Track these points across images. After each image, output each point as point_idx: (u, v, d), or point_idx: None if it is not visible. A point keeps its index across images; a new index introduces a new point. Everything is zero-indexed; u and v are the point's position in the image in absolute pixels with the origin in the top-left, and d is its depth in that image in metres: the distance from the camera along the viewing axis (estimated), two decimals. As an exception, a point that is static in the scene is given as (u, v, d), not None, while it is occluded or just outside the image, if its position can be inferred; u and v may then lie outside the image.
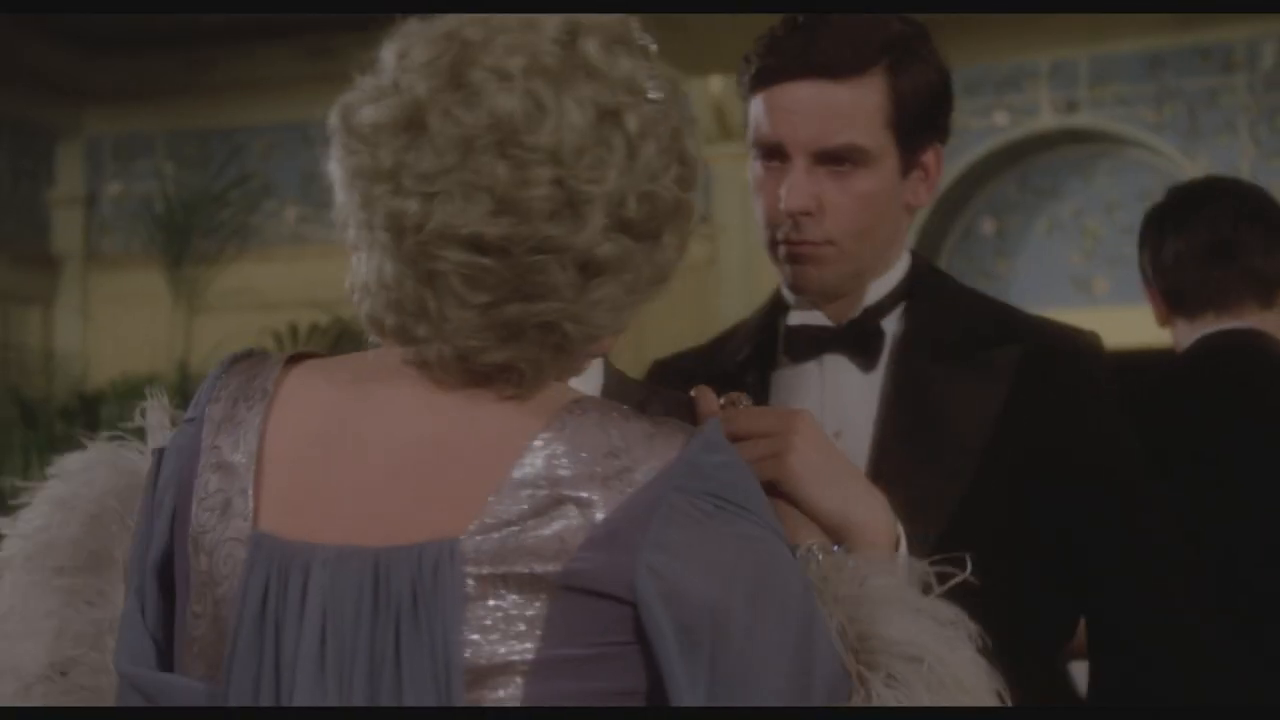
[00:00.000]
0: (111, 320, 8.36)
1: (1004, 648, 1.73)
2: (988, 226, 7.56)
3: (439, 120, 1.21)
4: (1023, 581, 1.81)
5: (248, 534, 1.25)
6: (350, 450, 1.26)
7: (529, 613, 1.20)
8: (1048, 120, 7.07)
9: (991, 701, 1.33)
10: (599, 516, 1.20)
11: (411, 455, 1.25)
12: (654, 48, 1.28)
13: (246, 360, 1.34)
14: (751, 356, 1.96)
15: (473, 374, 1.25)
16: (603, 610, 1.20)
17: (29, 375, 8.02)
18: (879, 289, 1.92)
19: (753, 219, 2.70)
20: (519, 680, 1.20)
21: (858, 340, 1.90)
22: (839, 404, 1.89)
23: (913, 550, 1.70)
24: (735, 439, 1.54)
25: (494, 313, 1.22)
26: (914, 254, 1.98)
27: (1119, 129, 7.08)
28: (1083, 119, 7.12)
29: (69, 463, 1.48)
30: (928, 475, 1.81)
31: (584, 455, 1.22)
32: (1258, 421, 2.50)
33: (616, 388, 1.72)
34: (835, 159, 1.84)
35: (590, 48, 1.23)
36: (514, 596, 1.20)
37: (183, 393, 3.04)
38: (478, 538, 1.20)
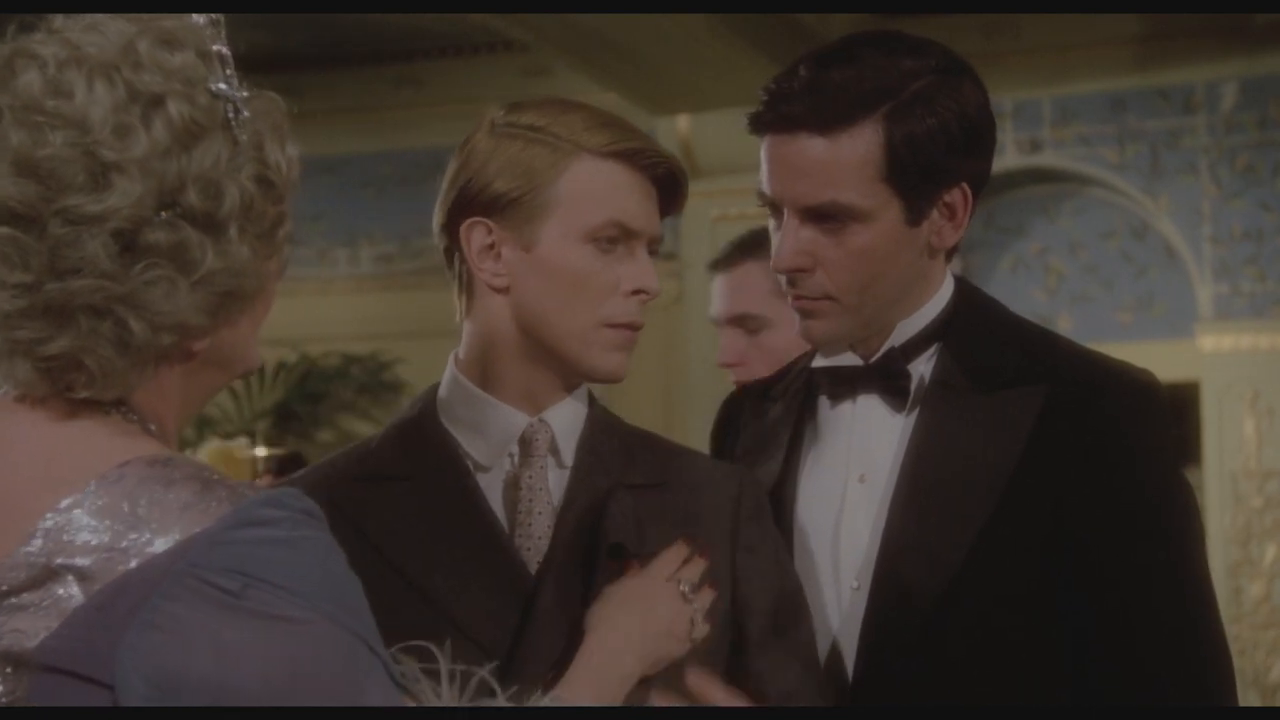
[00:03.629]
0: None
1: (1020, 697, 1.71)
2: (953, 265, 7.60)
3: None
4: (1033, 644, 1.73)
5: None
6: None
7: (13, 696, 1.14)
8: (1012, 160, 7.12)
9: None
10: (93, 590, 1.12)
11: None
12: (225, 51, 1.28)
13: None
14: (797, 393, 1.91)
15: (47, 379, 1.22)
16: (81, 694, 1.12)
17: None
18: (907, 329, 1.84)
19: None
20: None
21: (885, 381, 1.82)
22: (866, 447, 1.82)
23: (918, 603, 1.71)
24: None
25: (36, 295, 1.20)
26: (961, 285, 1.86)
27: (1082, 169, 7.14)
28: (1046, 159, 7.18)
29: None
30: (939, 528, 1.74)
31: (104, 523, 1.15)
32: None
33: (602, 428, 1.71)
34: (823, 216, 1.74)
35: (143, 45, 1.25)
36: (2, 676, 1.14)
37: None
38: None
